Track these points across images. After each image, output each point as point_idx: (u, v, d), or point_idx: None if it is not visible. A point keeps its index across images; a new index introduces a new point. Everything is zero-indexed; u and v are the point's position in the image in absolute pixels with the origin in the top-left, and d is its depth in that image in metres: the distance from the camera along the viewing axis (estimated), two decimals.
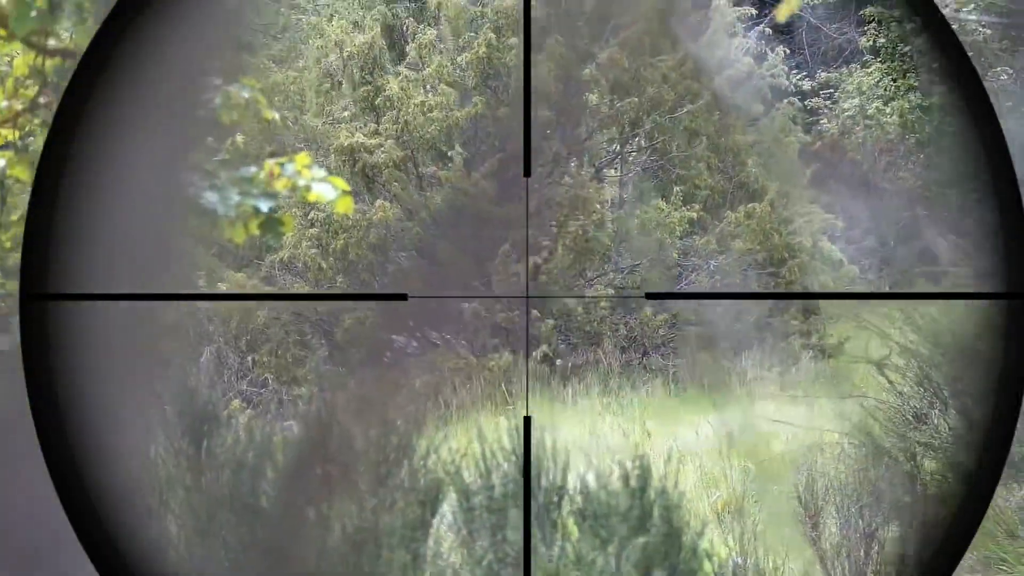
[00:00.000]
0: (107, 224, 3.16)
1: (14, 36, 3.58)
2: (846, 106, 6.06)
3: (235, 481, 3.52)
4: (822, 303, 5.67)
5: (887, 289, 5.63)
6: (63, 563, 3.12)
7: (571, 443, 3.64)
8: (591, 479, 3.53)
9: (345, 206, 4.17)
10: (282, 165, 3.84)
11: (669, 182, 5.79)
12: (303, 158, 3.95)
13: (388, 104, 5.73)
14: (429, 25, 5.93)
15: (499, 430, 3.59)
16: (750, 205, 5.66)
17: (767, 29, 6.22)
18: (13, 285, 3.40)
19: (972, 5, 5.29)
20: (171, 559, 3.36)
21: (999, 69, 5.17)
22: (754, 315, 5.55)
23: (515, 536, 3.50)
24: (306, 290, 5.64)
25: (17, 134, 3.72)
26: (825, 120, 6.12)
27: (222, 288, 5.38)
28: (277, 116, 5.53)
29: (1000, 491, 3.75)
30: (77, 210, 3.11)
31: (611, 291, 5.74)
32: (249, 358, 5.48)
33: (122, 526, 3.16)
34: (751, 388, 5.30)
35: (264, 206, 3.73)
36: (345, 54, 5.89)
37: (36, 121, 3.71)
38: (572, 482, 3.56)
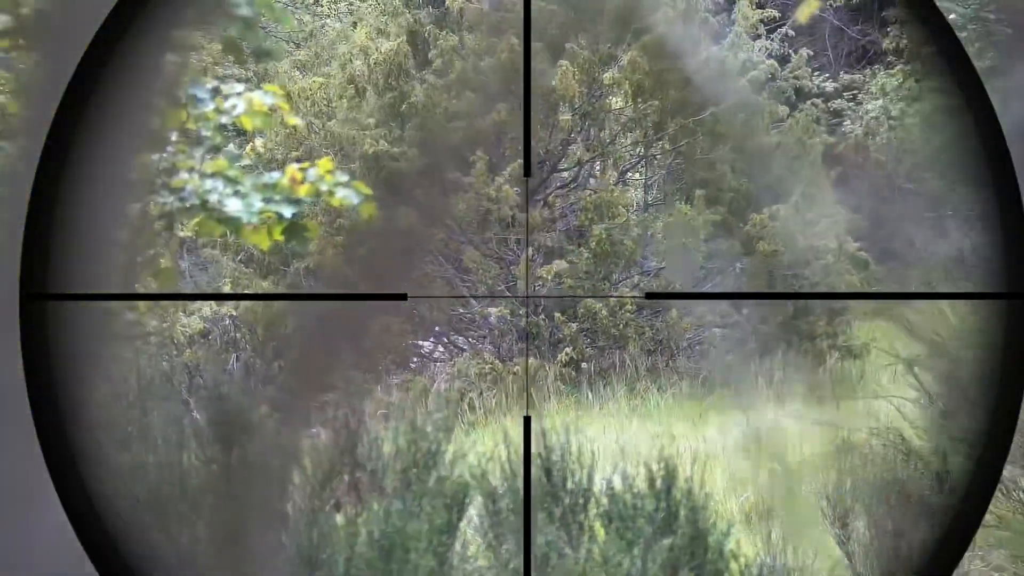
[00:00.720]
0: (107, 224, 3.15)
1: None
2: (870, 107, 6.03)
3: (259, 484, 3.54)
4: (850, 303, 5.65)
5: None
6: (63, 563, 3.11)
7: (597, 446, 3.65)
8: (617, 481, 3.53)
9: (369, 211, 4.19)
10: (305, 171, 3.86)
11: (693, 184, 5.78)
12: (326, 163, 3.97)
13: (412, 111, 5.75)
14: (452, 31, 5.95)
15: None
16: (774, 207, 5.64)
17: (790, 31, 6.20)
18: None
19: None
20: (172, 560, 3.36)
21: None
22: (780, 317, 5.53)
23: (540, 539, 3.50)
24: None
25: None
26: (848, 122, 6.09)
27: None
28: (301, 122, 5.57)
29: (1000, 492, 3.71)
30: (77, 210, 3.10)
31: (636, 293, 5.74)
32: (275, 364, 5.51)
33: (122, 526, 3.16)
34: (778, 389, 5.29)
35: (287, 212, 3.76)
36: (371, 61, 5.92)
37: None
38: (598, 484, 3.56)
